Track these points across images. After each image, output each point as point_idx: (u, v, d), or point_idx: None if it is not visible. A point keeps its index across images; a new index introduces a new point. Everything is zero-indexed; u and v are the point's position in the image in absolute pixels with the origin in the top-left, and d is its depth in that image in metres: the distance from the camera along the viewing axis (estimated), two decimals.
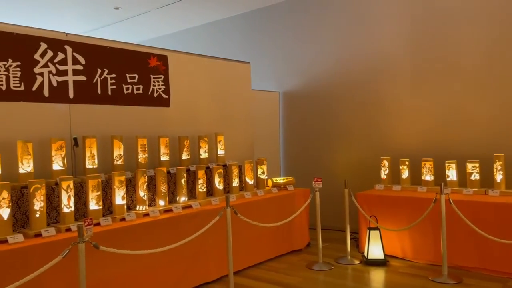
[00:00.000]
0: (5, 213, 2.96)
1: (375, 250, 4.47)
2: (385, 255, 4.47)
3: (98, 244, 2.67)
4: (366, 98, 5.81)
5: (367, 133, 5.82)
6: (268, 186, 5.23)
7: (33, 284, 2.58)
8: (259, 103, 6.14)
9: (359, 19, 5.86)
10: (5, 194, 2.96)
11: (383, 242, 4.48)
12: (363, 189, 5.24)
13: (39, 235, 3.04)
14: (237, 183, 4.83)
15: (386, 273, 4.21)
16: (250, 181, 4.96)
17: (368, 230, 4.54)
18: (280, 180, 5.33)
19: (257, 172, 5.13)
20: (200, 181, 4.45)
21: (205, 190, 4.49)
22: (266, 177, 5.21)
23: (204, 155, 4.87)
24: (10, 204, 3.01)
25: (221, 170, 4.66)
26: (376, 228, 4.51)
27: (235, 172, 4.81)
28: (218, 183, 4.60)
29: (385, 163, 5.21)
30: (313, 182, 4.51)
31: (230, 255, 3.57)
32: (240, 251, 4.16)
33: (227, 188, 4.89)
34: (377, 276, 4.18)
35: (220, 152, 5.07)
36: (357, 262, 4.55)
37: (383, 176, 5.20)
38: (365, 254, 4.53)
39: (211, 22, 7.50)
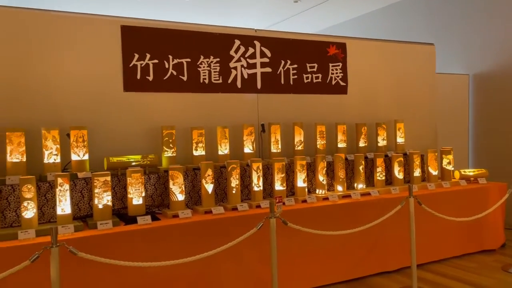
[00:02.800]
0: (210, 188, 3.46)
1: None
2: None
3: (286, 220, 2.90)
4: None
5: None
6: (454, 178, 4.78)
7: (232, 251, 2.97)
8: (444, 87, 5.64)
9: None
10: (209, 171, 3.47)
11: None
12: None
13: (235, 208, 3.47)
14: (419, 173, 4.56)
15: None
16: (433, 171, 4.62)
17: None
18: (469, 172, 4.81)
19: (441, 163, 4.74)
20: (379, 169, 4.35)
21: (383, 178, 4.38)
22: (453, 168, 4.77)
23: (382, 142, 4.75)
24: (213, 180, 3.50)
25: (401, 159, 4.46)
26: None
27: (417, 161, 4.55)
28: (398, 172, 4.43)
29: None
30: None
31: (413, 246, 3.42)
32: (422, 244, 3.93)
33: (407, 178, 4.66)
34: None
35: (400, 140, 4.86)
36: None
37: None
38: None
39: (391, 5, 7.17)
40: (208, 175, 3.46)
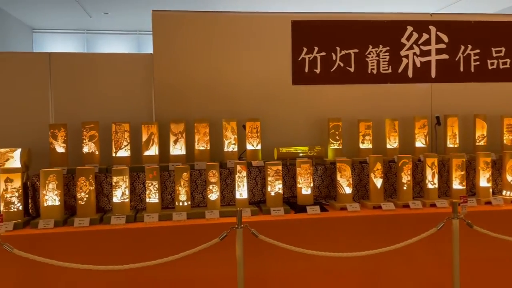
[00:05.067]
0: (378, 182, 3.34)
1: None
2: None
3: (471, 223, 2.60)
4: None
5: None
6: None
7: (404, 250, 2.81)
8: None
9: None
10: (378, 165, 3.34)
11: None
12: None
13: (406, 206, 3.27)
14: None
15: None
16: None
17: None
18: None
19: None
20: None
21: None
22: None
23: None
24: (382, 175, 3.36)
25: None
26: None
27: None
28: None
29: None
30: None
31: None
32: None
33: None
34: None
35: None
36: None
37: None
38: None
39: None
40: (377, 169, 3.33)
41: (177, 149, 3.45)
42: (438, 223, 2.71)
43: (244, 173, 3.19)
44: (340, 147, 3.69)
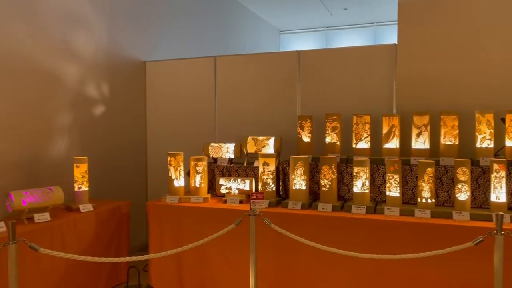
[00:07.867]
0: None
1: None
2: None
3: None
4: None
5: None
6: None
7: None
8: None
9: None
10: None
11: None
12: None
13: None
14: None
15: None
16: None
17: None
18: None
19: None
20: None
21: None
22: None
23: None
24: None
25: None
26: None
27: None
28: None
29: None
30: None
31: None
32: None
33: None
34: None
35: None
36: None
37: None
38: None
39: None
40: None
41: (420, 142, 3.26)
42: None
43: (503, 173, 2.74)
44: None
